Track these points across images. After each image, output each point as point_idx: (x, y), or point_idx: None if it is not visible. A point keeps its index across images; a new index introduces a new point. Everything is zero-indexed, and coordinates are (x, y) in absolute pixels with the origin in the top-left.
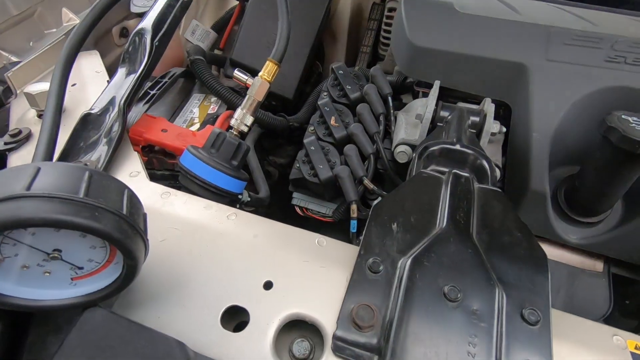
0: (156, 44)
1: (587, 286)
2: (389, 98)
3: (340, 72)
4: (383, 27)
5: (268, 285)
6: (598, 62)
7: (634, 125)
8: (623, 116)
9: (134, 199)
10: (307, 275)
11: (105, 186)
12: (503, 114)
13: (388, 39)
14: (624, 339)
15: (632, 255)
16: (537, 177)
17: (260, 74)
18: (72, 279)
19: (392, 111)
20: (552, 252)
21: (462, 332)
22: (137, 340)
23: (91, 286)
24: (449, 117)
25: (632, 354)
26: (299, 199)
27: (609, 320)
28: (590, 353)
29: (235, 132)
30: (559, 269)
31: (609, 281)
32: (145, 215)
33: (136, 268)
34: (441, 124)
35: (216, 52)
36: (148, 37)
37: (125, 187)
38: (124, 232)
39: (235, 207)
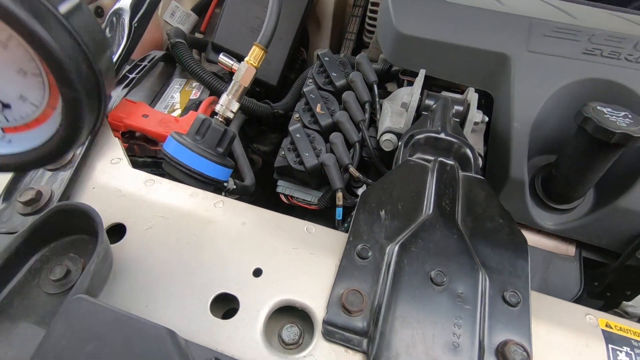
0: (135, 25)
1: (560, 269)
2: (375, 86)
3: (326, 58)
4: (368, 14)
5: (257, 273)
6: (576, 54)
7: (608, 116)
8: (598, 107)
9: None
10: (296, 262)
11: None
12: (485, 103)
13: (373, 26)
14: (595, 318)
15: (601, 239)
16: (516, 165)
17: (246, 59)
18: (3, 129)
19: (377, 99)
20: (529, 237)
21: (448, 315)
22: (126, 330)
23: (25, 144)
24: (434, 106)
25: (603, 331)
26: (284, 187)
27: (578, 301)
28: (566, 331)
29: (220, 119)
30: (535, 253)
31: (580, 264)
32: (111, 53)
33: (79, 114)
34: (426, 113)
35: (197, 35)
36: (126, 18)
37: None
38: (52, 29)
39: (221, 194)
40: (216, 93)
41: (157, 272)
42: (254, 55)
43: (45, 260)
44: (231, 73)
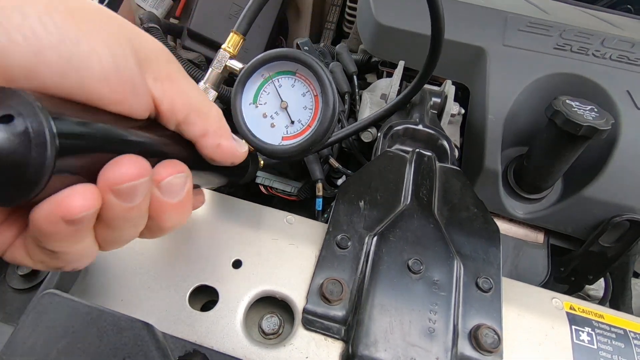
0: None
1: (530, 256)
2: (355, 77)
3: (306, 48)
4: (348, 3)
5: (237, 264)
6: (548, 49)
7: (576, 109)
8: (567, 101)
9: None
10: (276, 252)
11: None
12: (462, 95)
13: (353, 16)
14: (561, 301)
15: (567, 227)
16: (490, 156)
17: (223, 46)
18: (282, 137)
19: (357, 90)
20: (501, 225)
21: (424, 302)
22: (100, 324)
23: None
24: (413, 97)
25: (567, 313)
26: (263, 178)
27: (545, 285)
28: (534, 314)
29: None
30: (507, 241)
31: (547, 251)
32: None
33: (329, 125)
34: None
35: (172, 20)
36: (95, 1)
37: None
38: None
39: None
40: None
41: (133, 265)
42: (232, 42)
43: None
44: (208, 61)
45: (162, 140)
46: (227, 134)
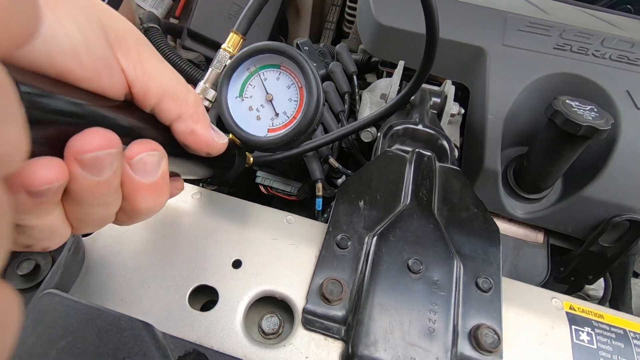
0: None
1: (529, 256)
2: (354, 77)
3: (306, 48)
4: (348, 3)
5: (237, 264)
6: (547, 49)
7: (576, 109)
8: (567, 101)
9: None
10: (276, 252)
11: None
12: (462, 95)
13: (353, 16)
14: (560, 301)
15: (567, 227)
16: (490, 156)
17: (223, 46)
18: (268, 130)
19: (357, 90)
20: (501, 225)
21: (424, 301)
22: (100, 324)
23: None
24: (412, 97)
25: (567, 313)
26: (263, 178)
27: (545, 285)
28: (533, 314)
29: None
30: (506, 241)
31: (547, 251)
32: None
33: (312, 115)
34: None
35: (172, 20)
36: None
37: None
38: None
39: (198, 185)
40: (192, 81)
41: (133, 265)
42: (232, 42)
43: (10, 254)
44: (208, 61)
45: (136, 121)
46: (204, 121)
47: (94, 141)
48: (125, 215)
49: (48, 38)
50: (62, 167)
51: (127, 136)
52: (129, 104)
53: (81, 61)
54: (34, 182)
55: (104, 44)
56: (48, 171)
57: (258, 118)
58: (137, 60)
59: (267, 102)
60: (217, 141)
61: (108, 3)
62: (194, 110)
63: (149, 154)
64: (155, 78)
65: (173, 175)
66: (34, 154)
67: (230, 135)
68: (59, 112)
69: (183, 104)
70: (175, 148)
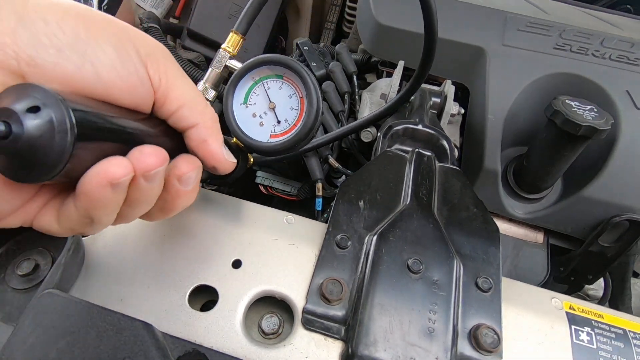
0: (104, 7)
1: (529, 256)
2: (354, 77)
3: (306, 48)
4: (347, 3)
5: (237, 264)
6: (547, 49)
7: (575, 109)
8: (567, 101)
9: None
10: (276, 252)
11: None
12: (461, 95)
13: (352, 15)
14: (560, 301)
15: (567, 227)
16: (490, 156)
17: (223, 45)
18: (270, 135)
19: (357, 90)
20: (501, 225)
21: (424, 301)
22: (100, 324)
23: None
24: (412, 97)
25: (567, 313)
26: (263, 178)
27: (545, 285)
28: (533, 314)
29: None
30: (506, 241)
31: (547, 251)
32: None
33: (312, 124)
34: (405, 104)
35: (172, 20)
36: (95, 0)
37: None
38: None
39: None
40: (192, 81)
41: (133, 265)
42: (232, 42)
43: (11, 254)
44: (207, 61)
45: (160, 130)
46: (218, 136)
47: (157, 160)
48: (161, 212)
49: (92, 58)
50: (128, 163)
51: (156, 144)
52: (151, 115)
53: (119, 74)
54: (115, 175)
55: (136, 60)
56: (122, 167)
57: (261, 124)
58: (163, 72)
59: (270, 110)
60: (226, 158)
61: (107, 4)
62: (210, 124)
63: (193, 172)
64: (177, 87)
65: None
66: (84, 164)
67: (234, 139)
68: (103, 128)
69: (201, 114)
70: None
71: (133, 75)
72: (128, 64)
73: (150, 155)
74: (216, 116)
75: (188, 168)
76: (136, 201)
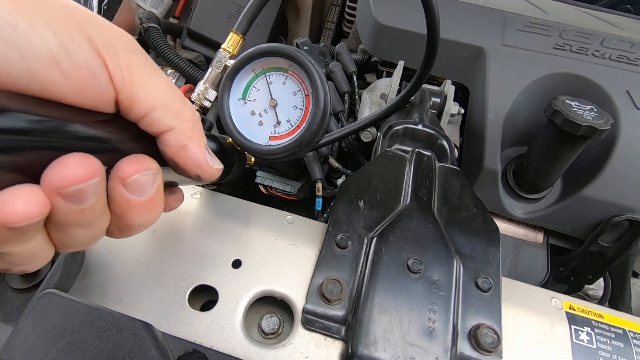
0: (104, 7)
1: (529, 256)
2: (354, 77)
3: (305, 47)
4: (347, 3)
5: (237, 264)
6: (547, 48)
7: (575, 109)
8: (567, 101)
9: None
10: (276, 252)
11: None
12: (461, 95)
13: (352, 15)
14: (560, 301)
15: (566, 227)
16: (490, 156)
17: (223, 45)
18: (270, 137)
19: (356, 90)
20: (500, 225)
21: (424, 301)
22: (100, 324)
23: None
24: (412, 97)
25: (567, 313)
26: (263, 177)
27: (545, 285)
28: (533, 314)
29: (197, 107)
30: (506, 241)
31: (547, 251)
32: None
33: (318, 127)
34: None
35: (171, 20)
36: (94, 0)
37: None
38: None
39: (199, 185)
40: (192, 81)
41: (132, 265)
42: (232, 42)
43: None
44: (207, 61)
45: (124, 135)
46: (200, 140)
47: (76, 171)
48: (118, 230)
49: (22, 46)
50: (42, 198)
51: (115, 152)
52: (117, 116)
53: (62, 69)
54: (12, 218)
55: (87, 51)
56: (28, 205)
57: (260, 124)
58: (125, 67)
59: (271, 108)
60: (210, 165)
61: (107, 3)
62: (189, 126)
63: (142, 175)
64: (144, 87)
65: (170, 185)
66: (8, 182)
67: (229, 140)
68: (31, 134)
69: (176, 116)
70: None
71: (82, 69)
72: (75, 55)
73: (72, 166)
74: (197, 116)
75: (132, 169)
76: (68, 228)
